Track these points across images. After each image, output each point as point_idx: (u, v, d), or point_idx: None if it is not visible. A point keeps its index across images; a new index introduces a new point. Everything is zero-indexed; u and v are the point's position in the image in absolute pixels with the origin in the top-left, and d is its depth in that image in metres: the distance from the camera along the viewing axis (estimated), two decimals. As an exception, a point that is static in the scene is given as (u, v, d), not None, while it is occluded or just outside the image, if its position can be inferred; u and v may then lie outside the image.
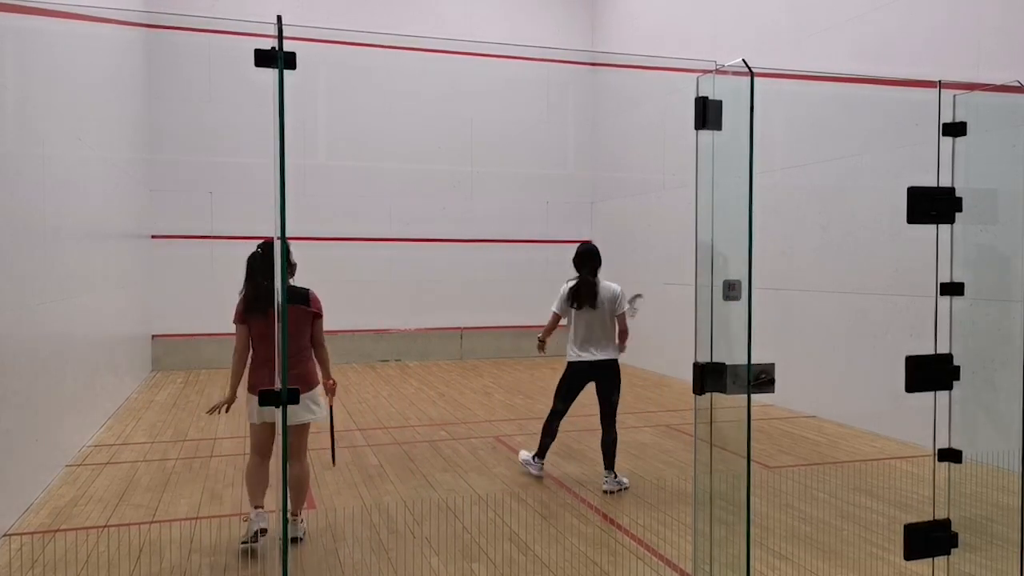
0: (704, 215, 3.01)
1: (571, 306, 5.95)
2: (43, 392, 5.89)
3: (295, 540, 4.70)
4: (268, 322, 4.76)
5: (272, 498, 4.91)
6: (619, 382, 5.98)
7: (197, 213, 12.07)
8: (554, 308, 6.07)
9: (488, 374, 11.76)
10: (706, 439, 3.32)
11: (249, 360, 4.90)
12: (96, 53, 8.41)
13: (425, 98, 13.17)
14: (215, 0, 12.07)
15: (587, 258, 5.98)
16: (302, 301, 4.85)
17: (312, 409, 4.83)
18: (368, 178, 12.91)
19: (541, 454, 6.12)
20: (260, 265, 4.82)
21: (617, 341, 6.03)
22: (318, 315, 4.97)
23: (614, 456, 5.87)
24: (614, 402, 5.95)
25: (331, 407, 5.08)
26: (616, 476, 5.82)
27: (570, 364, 5.97)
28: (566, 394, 6.02)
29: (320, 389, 4.94)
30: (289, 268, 4.81)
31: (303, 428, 4.84)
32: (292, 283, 4.89)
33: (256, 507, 4.65)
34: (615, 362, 5.96)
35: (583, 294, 5.91)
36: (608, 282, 6.02)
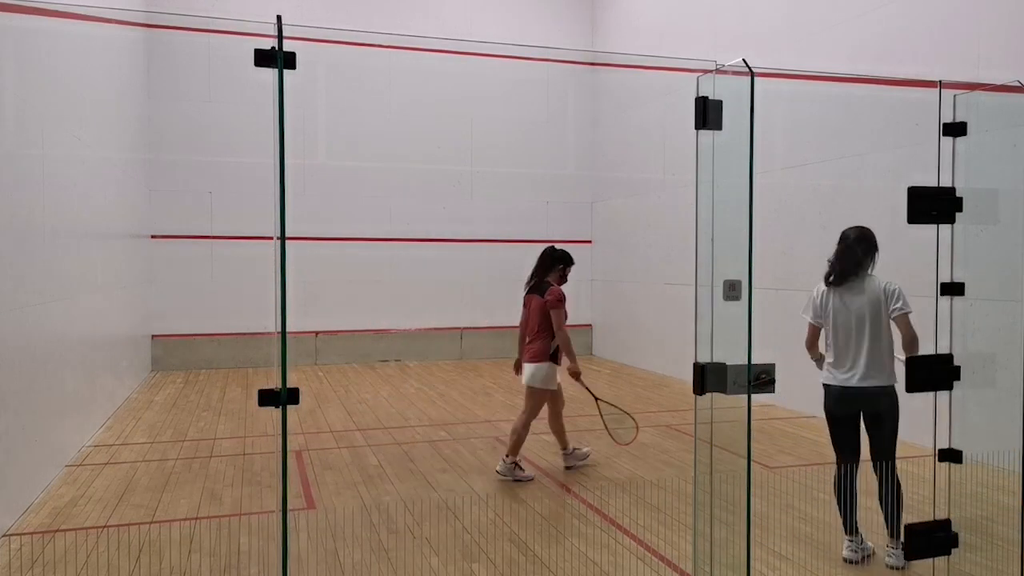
0: (704, 215, 3.01)
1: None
2: (43, 392, 5.88)
3: (519, 481, 5.97)
4: (531, 307, 6.20)
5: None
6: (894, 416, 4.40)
7: (197, 213, 12.07)
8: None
9: (488, 374, 11.75)
10: (706, 439, 3.31)
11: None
12: (96, 53, 8.41)
13: (425, 98, 13.17)
14: (215, 0, 12.07)
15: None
16: (540, 293, 6.10)
17: (532, 376, 6.03)
18: (368, 178, 12.91)
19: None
20: (540, 263, 6.25)
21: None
22: (552, 306, 5.99)
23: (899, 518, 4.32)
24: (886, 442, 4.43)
25: (588, 390, 6.34)
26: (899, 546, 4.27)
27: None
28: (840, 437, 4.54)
29: (546, 365, 6.02)
30: (557, 274, 6.19)
31: (529, 390, 6.06)
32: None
33: (508, 456, 6.04)
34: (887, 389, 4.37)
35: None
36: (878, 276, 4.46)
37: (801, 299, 8.72)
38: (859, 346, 4.34)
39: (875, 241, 4.43)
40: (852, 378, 4.34)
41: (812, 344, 4.63)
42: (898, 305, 4.29)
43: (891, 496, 4.29)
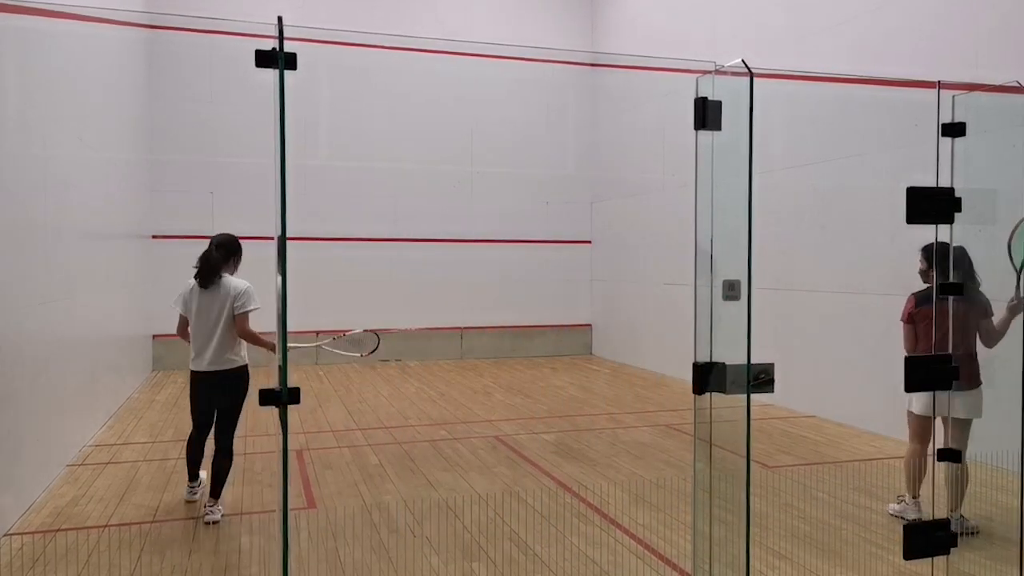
0: (704, 215, 3.02)
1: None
2: (44, 392, 5.89)
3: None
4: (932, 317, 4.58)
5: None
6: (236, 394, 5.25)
7: (197, 213, 12.07)
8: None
9: (488, 374, 11.76)
10: (705, 439, 3.32)
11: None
12: (96, 53, 8.42)
13: (425, 98, 13.18)
14: (216, 1, 12.08)
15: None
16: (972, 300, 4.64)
17: (977, 406, 4.61)
18: (368, 178, 12.92)
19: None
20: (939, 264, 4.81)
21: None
22: (989, 313, 4.61)
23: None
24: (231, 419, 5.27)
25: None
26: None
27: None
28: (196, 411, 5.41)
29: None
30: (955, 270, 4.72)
31: (967, 422, 4.62)
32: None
33: (913, 498, 4.94)
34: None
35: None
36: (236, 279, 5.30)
37: (801, 299, 8.75)
38: (211, 337, 5.15)
39: (237, 246, 5.28)
40: (203, 363, 5.19)
41: (183, 332, 5.41)
42: (240, 304, 5.12)
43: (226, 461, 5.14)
